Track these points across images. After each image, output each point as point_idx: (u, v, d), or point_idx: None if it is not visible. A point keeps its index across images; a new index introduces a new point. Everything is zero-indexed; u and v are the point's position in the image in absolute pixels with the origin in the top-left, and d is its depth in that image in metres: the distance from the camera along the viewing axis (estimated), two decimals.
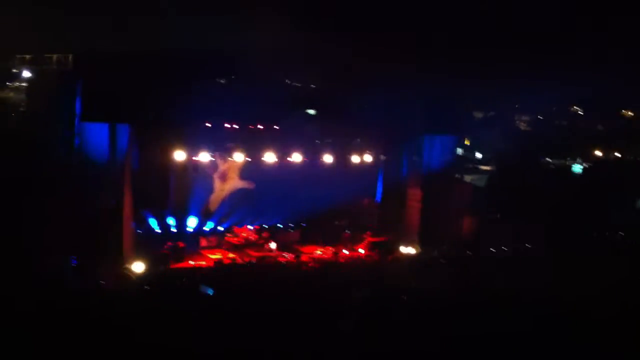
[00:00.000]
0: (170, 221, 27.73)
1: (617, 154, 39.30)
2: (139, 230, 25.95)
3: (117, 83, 23.28)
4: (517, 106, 42.61)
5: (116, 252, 22.72)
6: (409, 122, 29.02)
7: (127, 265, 22.70)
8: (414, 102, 28.84)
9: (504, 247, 27.90)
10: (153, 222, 27.17)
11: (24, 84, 31.83)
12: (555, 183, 33.26)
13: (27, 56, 28.64)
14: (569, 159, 37.76)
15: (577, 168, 37.01)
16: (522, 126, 41.45)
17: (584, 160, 37.53)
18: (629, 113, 42.25)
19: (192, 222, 28.36)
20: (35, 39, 30.21)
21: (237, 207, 29.52)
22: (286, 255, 26.95)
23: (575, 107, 42.17)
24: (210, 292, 19.69)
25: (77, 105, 23.14)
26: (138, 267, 22.62)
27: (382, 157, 30.47)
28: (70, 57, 25.87)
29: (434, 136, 29.16)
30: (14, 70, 32.69)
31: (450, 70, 31.79)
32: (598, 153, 38.90)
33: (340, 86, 30.80)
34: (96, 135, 23.54)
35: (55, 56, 26.45)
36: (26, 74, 29.95)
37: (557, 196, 30.56)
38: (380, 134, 29.90)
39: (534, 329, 16.49)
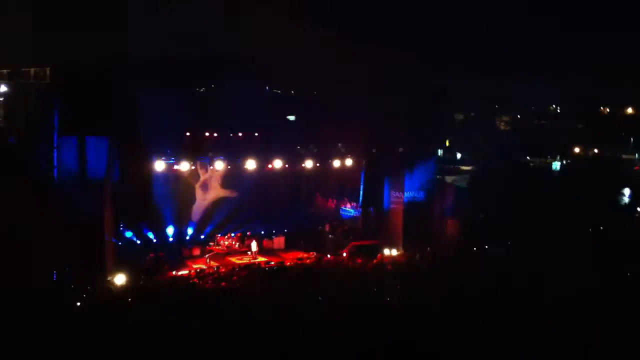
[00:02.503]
0: (151, 232, 27.59)
1: (596, 151, 39.76)
2: (119, 243, 25.80)
3: (94, 95, 23.12)
4: (496, 107, 42.99)
5: (98, 265, 22.54)
6: (389, 124, 29.14)
7: (109, 278, 22.54)
8: (395, 104, 28.99)
9: (487, 246, 27.98)
10: (134, 234, 27.04)
11: (1, 99, 31.58)
12: (536, 181, 33.51)
13: (4, 70, 28.36)
14: (549, 157, 38.08)
15: (557, 166, 37.31)
16: (502, 126, 41.79)
17: (563, 158, 37.86)
18: (607, 110, 42.76)
19: (173, 232, 28.24)
20: (11, 52, 30.01)
21: (219, 216, 29.48)
22: (269, 261, 26.97)
23: (554, 106, 42.62)
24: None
25: (56, 119, 22.96)
26: (120, 279, 22.47)
27: (364, 161, 30.48)
28: (48, 70, 25.54)
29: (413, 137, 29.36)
30: None
31: (432, 71, 31.95)
32: (577, 150, 39.30)
33: (320, 91, 30.87)
34: (75, 149, 23.35)
35: (32, 70, 26.12)
36: (3, 88, 29.69)
37: (538, 194, 30.75)
38: (361, 137, 29.94)
39: (522, 330, 16.49)
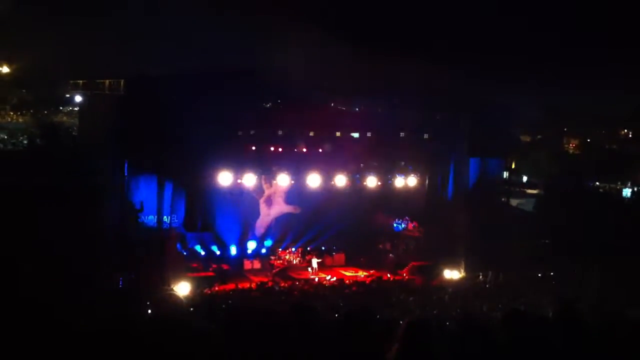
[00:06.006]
0: (215, 245, 27.99)
1: None
2: (184, 253, 26.26)
3: (162, 107, 23.64)
4: (565, 129, 42.04)
5: (162, 274, 22.95)
6: (454, 144, 28.84)
7: (172, 287, 22.91)
8: (459, 123, 28.70)
9: (552, 272, 27.19)
10: (198, 245, 27.47)
11: (76, 109, 32.74)
12: (605, 207, 32.36)
13: (80, 81, 29.35)
14: (619, 183, 36.81)
15: (627, 192, 35.98)
16: (571, 150, 40.76)
17: (634, 184, 36.52)
18: None
19: (236, 245, 28.58)
20: (87, 64, 31.15)
21: (282, 231, 29.72)
22: (328, 277, 26.96)
23: (625, 130, 41.33)
24: None
25: (127, 130, 23.54)
26: (183, 288, 22.82)
27: (427, 180, 30.17)
28: (122, 82, 26.24)
29: (480, 159, 28.91)
30: (67, 95, 33.66)
31: (498, 91, 31.47)
32: None
33: (383, 109, 30.76)
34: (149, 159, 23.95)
35: (107, 81, 26.90)
36: (78, 98, 30.78)
37: (606, 221, 29.69)
38: (425, 156, 29.68)
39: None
